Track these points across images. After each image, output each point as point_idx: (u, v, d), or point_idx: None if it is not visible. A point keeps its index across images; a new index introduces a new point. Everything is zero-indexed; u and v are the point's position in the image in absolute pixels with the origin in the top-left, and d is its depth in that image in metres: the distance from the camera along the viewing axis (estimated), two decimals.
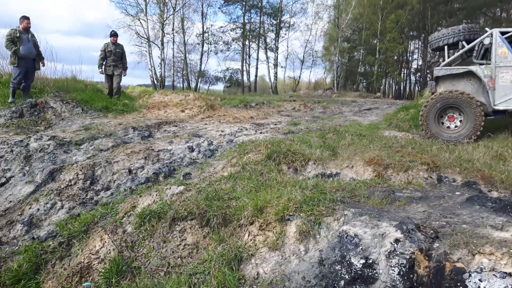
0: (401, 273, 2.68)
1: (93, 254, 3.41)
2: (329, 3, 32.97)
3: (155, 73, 27.17)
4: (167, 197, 3.85)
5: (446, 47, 6.94)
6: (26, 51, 8.23)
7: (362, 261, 2.79)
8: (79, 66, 25.33)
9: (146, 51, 27.34)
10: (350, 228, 2.99)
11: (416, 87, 41.30)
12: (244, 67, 33.17)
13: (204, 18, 31.14)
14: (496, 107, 6.23)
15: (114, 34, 10.10)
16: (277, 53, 32.59)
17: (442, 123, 6.49)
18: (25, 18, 8.32)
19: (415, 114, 8.89)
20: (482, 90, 6.32)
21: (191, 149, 5.79)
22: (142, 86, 28.08)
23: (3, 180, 5.08)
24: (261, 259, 3.06)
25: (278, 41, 32.63)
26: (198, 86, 32.33)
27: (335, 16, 32.40)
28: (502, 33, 6.32)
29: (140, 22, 26.88)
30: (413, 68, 43.43)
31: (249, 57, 33.80)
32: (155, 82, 26.97)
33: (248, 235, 3.30)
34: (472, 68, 6.34)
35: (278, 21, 32.39)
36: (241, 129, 7.60)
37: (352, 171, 4.59)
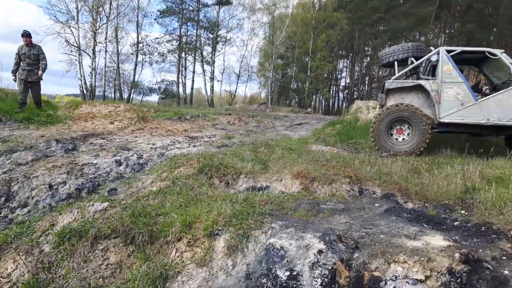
0: (324, 283, 2.78)
1: (4, 278, 3.14)
2: (265, 21, 33.97)
3: (85, 83, 25.94)
4: (89, 214, 3.65)
5: (396, 63, 7.36)
6: None
7: (287, 273, 2.85)
8: (5, 74, 23.34)
9: (76, 60, 26.00)
10: (276, 240, 3.05)
11: (344, 103, 43.64)
12: (180, 79, 32.87)
13: (139, 29, 30.45)
14: (442, 120, 6.62)
15: (25, 35, 8.81)
16: (214, 66, 32.76)
17: (391, 134, 6.77)
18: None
19: (341, 129, 9.39)
20: (428, 104, 6.72)
21: (119, 163, 5.57)
22: (71, 96, 26.64)
23: None
24: (187, 276, 3.01)
25: (214, 55, 32.82)
26: (131, 97, 31.36)
27: (270, 33, 33.41)
28: (448, 51, 6.78)
29: (71, 30, 25.58)
30: (341, 85, 45.90)
31: (185, 69, 33.58)
32: (85, 92, 25.70)
33: (176, 252, 3.23)
34: (422, 82, 6.73)
35: (214, 35, 32.62)
36: (173, 142, 7.47)
37: (281, 184, 4.71)
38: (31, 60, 8.83)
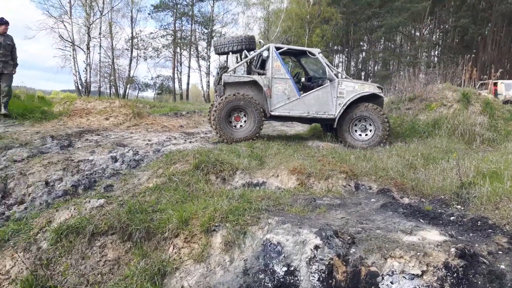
0: (321, 279, 2.81)
1: (2, 275, 3.15)
2: (259, 15, 33.81)
3: (80, 79, 25.73)
4: (86, 211, 3.65)
5: (230, 53, 7.61)
6: None
7: (285, 268, 2.88)
8: None
9: (70, 55, 25.76)
10: (273, 236, 3.07)
11: None
12: (176, 75, 32.63)
13: (133, 24, 30.22)
14: (273, 113, 7.14)
15: (4, 22, 7.88)
16: (209, 61, 32.55)
17: (230, 122, 7.06)
18: None
19: None
20: (261, 97, 7.13)
21: (115, 159, 5.55)
22: (66, 92, 26.42)
23: None
24: (185, 272, 3.03)
25: (210, 50, 32.62)
26: (127, 92, 31.16)
27: (265, 28, 33.28)
28: (277, 48, 7.24)
29: (64, 25, 25.31)
30: None
31: (181, 64, 33.34)
32: (80, 88, 25.51)
33: (173, 248, 3.25)
34: (255, 77, 7.10)
35: (209, 30, 32.43)
36: (169, 138, 7.45)
37: (278, 180, 4.72)
38: (6, 50, 7.90)
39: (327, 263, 2.85)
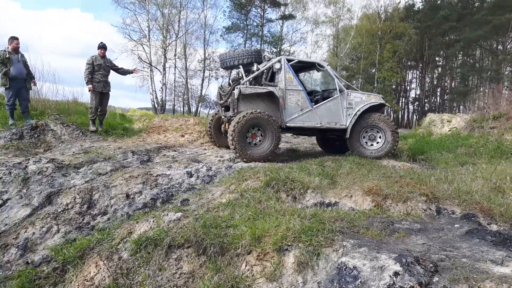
0: None
1: (87, 281, 3.33)
2: (328, 33, 33.68)
3: (156, 97, 27.40)
4: (164, 223, 3.80)
5: (241, 67, 7.57)
6: (17, 71, 8.07)
7: None
8: (81, 89, 25.27)
9: (148, 76, 27.64)
10: (349, 260, 2.95)
11: (414, 116, 41.71)
12: None
13: (206, 45, 31.65)
14: (288, 124, 7.20)
15: (102, 46, 8.82)
16: None
17: (246, 138, 6.90)
18: (14, 38, 8.12)
19: (413, 143, 8.95)
20: (273, 109, 7.14)
21: (190, 175, 5.77)
22: (143, 110, 28.16)
23: (0, 202, 5.04)
24: None
25: None
26: (199, 110, 32.52)
27: (334, 45, 33.03)
28: (288, 61, 7.30)
29: (143, 47, 27.27)
30: (411, 97, 43.99)
31: None
32: (156, 106, 27.14)
33: (246, 265, 3.25)
34: (271, 88, 7.09)
35: (278, 49, 32.96)
36: None
37: (351, 200, 4.57)
38: (106, 71, 8.86)
39: None
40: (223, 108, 7.91)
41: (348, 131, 7.39)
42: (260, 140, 6.99)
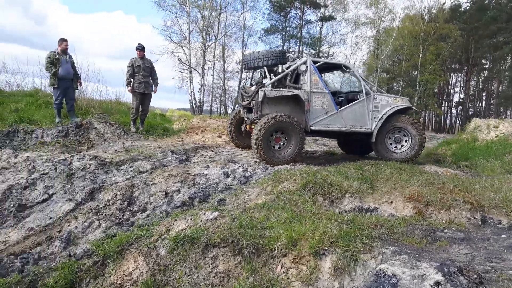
0: None
1: (126, 276, 3.42)
2: (369, 34, 33.02)
3: (194, 98, 27.88)
4: (201, 222, 3.85)
5: (265, 68, 7.33)
6: (65, 72, 8.41)
7: None
8: (123, 89, 26.08)
9: (187, 77, 28.18)
10: (388, 267, 2.86)
11: (458, 120, 40.09)
12: None
13: (244, 47, 31.90)
14: (312, 128, 6.99)
15: (139, 48, 8.94)
16: None
17: (270, 142, 6.75)
18: (63, 40, 8.48)
19: (457, 149, 8.58)
20: (296, 112, 6.93)
21: (226, 175, 5.81)
22: (181, 110, 28.75)
23: (46, 196, 5.28)
24: None
25: None
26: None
27: (375, 47, 32.32)
28: (314, 62, 7.09)
29: (183, 49, 27.85)
30: (454, 101, 42.32)
31: None
32: (194, 107, 27.63)
33: (281, 267, 3.23)
34: (296, 91, 6.86)
35: (317, 51, 32.70)
36: None
37: (391, 206, 4.44)
38: (146, 72, 8.96)
39: None
40: (245, 110, 7.80)
41: (374, 135, 7.24)
42: (284, 144, 6.86)
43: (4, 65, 12.51)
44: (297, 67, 7.13)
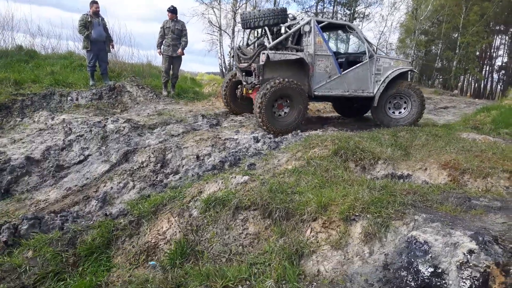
0: (473, 286, 2.50)
1: (160, 235, 3.55)
2: None
3: (224, 62, 27.66)
4: (232, 185, 3.91)
5: (266, 28, 6.87)
6: (97, 34, 8.47)
7: (431, 269, 2.64)
8: (154, 52, 26.06)
9: (217, 40, 27.84)
10: (420, 234, 2.84)
11: (499, 86, 38.08)
12: None
13: (276, 7, 30.97)
14: (315, 93, 6.67)
15: (170, 10, 8.78)
16: (348, 44, 31.62)
17: (274, 112, 6.45)
18: (94, 2, 8.48)
19: (498, 115, 8.19)
20: (299, 76, 6.57)
21: (256, 140, 5.83)
22: (211, 74, 28.66)
23: (82, 157, 5.50)
24: (322, 256, 3.02)
25: None
26: None
27: (414, 7, 30.61)
28: (318, 22, 6.67)
29: (214, 11, 27.36)
30: (496, 65, 39.97)
31: None
32: (224, 71, 27.47)
33: (310, 231, 3.26)
34: (301, 54, 6.47)
35: (352, 11, 31.35)
36: (306, 122, 7.50)
37: (425, 173, 4.34)
38: (175, 34, 8.82)
39: (482, 270, 2.51)
40: (243, 73, 7.30)
41: (376, 100, 6.96)
42: (287, 111, 6.55)
43: (39, 28, 12.77)
44: (301, 28, 6.71)
